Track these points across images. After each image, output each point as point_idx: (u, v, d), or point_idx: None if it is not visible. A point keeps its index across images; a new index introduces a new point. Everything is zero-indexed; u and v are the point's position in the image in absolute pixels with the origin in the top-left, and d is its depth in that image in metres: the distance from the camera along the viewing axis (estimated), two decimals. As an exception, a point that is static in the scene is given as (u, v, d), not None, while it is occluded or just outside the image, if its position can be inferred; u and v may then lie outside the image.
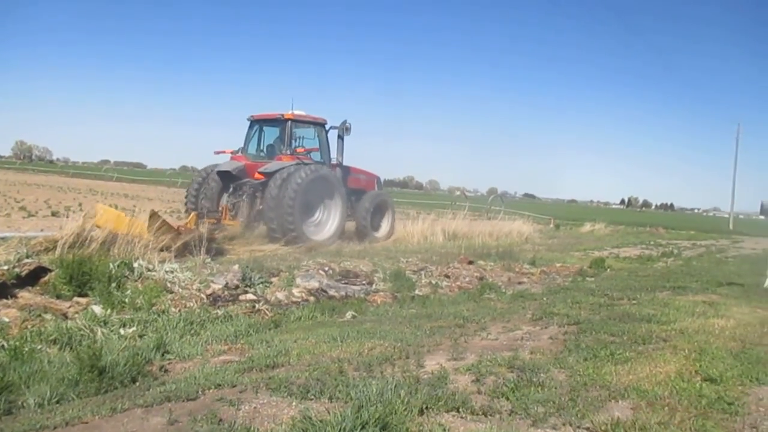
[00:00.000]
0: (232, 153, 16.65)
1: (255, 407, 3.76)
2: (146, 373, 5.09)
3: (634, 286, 10.29)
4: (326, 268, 11.68)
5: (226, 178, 15.97)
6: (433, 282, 11.52)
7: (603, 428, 3.39)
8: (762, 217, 13.36)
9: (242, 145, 16.86)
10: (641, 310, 7.36)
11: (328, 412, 3.36)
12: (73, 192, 37.94)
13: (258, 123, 16.98)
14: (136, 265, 9.36)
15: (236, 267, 10.33)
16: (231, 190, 15.98)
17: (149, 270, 9.38)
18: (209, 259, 11.19)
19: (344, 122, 16.75)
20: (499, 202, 38.08)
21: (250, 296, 9.32)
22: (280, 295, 9.64)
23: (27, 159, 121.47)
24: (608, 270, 14.46)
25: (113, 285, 8.32)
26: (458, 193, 38.74)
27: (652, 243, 25.46)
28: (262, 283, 10.05)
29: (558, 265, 15.18)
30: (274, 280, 10.38)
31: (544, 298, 9.25)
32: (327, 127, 17.23)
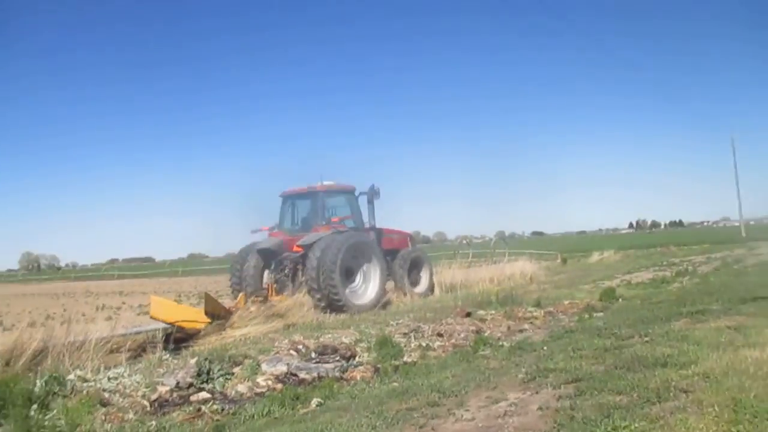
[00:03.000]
0: (269, 230, 17.17)
1: None
2: None
3: (647, 318, 8.97)
4: (300, 346, 10.34)
5: (266, 255, 16.33)
6: (424, 344, 10.18)
7: None
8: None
9: (277, 221, 17.43)
10: (654, 350, 6.06)
11: None
12: (67, 297, 36.82)
13: (290, 198, 17.67)
14: (71, 377, 8.11)
15: (192, 361, 9.05)
16: (272, 266, 16.12)
17: (86, 381, 8.12)
18: (167, 355, 9.93)
19: (372, 186, 17.47)
20: (502, 244, 36.79)
21: (203, 395, 7.97)
22: (242, 388, 8.30)
23: (35, 269, 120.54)
24: (619, 300, 13.17)
25: (34, 407, 7.06)
26: (465, 241, 37.40)
27: (664, 263, 24.12)
28: (222, 375, 8.70)
29: (566, 302, 13.92)
30: (236, 370, 9.06)
31: (544, 348, 7.96)
32: (356, 193, 17.84)
